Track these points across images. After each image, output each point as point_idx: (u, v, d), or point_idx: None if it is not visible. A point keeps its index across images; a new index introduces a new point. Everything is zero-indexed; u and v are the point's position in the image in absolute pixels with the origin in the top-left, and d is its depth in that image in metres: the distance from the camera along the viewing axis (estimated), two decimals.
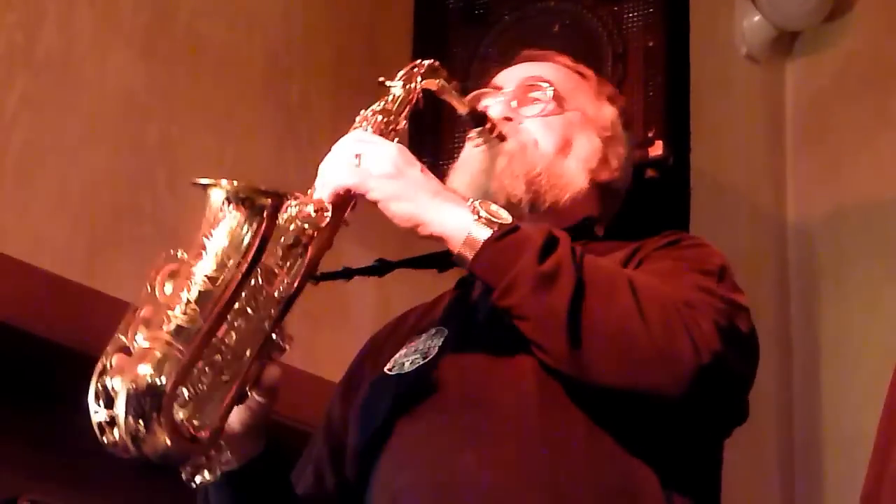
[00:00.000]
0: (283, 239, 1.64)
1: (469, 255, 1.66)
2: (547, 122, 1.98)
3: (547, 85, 2.00)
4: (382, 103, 1.82)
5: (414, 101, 1.84)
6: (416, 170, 1.72)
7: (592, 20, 3.11)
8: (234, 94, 3.25)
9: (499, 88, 2.03)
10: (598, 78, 2.11)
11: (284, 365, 3.20)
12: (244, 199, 1.54)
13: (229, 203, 1.54)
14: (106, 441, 1.50)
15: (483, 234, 1.65)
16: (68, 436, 2.20)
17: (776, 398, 3.94)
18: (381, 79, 1.85)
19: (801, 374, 4.00)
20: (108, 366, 1.50)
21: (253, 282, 1.58)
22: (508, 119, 1.98)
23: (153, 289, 1.53)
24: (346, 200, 1.70)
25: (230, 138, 3.20)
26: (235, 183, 1.55)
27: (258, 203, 1.55)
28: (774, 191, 4.14)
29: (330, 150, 1.75)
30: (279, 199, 1.57)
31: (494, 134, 1.94)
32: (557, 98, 2.00)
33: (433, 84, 1.88)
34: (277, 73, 3.34)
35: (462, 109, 1.93)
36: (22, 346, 2.72)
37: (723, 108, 3.97)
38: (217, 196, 1.55)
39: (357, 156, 1.71)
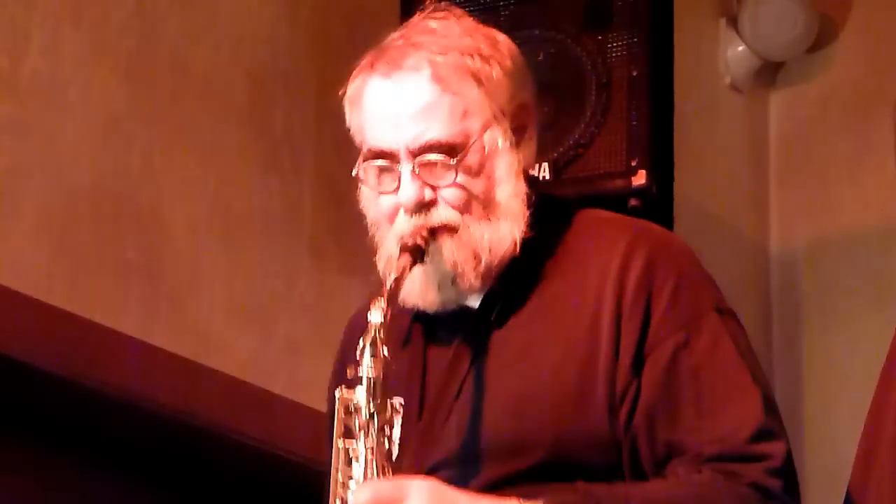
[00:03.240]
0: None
1: None
2: (462, 190, 1.76)
3: (442, 156, 1.74)
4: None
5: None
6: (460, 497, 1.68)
7: (577, 49, 3.12)
8: (218, 119, 3.24)
9: (391, 155, 1.77)
10: (474, 54, 1.78)
11: (265, 391, 3.19)
12: None
13: None
14: None
15: None
16: None
17: None
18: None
19: (783, 404, 3.97)
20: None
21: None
22: (426, 205, 1.76)
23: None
24: None
25: (214, 164, 3.19)
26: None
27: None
28: (758, 220, 4.14)
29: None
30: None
31: (426, 245, 1.74)
32: (457, 150, 1.75)
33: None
34: (262, 99, 3.34)
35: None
36: (2, 370, 2.70)
37: (707, 138, 3.97)
38: None
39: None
